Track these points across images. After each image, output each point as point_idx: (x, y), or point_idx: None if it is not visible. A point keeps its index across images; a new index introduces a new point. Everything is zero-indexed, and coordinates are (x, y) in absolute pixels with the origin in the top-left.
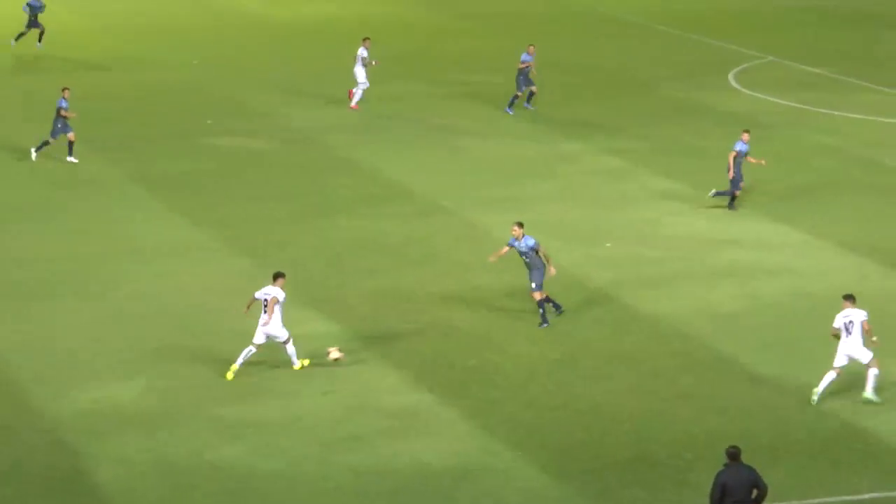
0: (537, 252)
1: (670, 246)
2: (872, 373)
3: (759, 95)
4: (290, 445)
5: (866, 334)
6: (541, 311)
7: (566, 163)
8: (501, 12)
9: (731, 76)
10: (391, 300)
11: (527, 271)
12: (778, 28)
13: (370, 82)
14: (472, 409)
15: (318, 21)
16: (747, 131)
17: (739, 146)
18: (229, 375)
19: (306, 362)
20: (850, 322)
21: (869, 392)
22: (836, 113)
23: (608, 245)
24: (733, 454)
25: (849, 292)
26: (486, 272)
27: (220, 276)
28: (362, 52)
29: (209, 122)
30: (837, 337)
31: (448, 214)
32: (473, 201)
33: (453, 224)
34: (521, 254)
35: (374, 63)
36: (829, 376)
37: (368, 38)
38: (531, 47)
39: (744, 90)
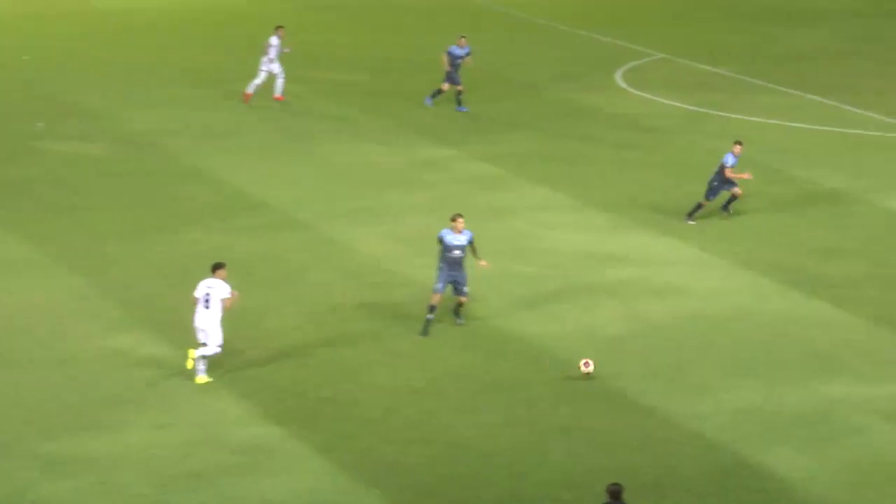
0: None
1: (548, 262)
2: None
3: (650, 97)
4: (123, 484)
5: None
6: (459, 311)
7: (435, 170)
8: (363, 3)
9: (618, 75)
10: (238, 323)
11: (444, 269)
12: (669, 23)
13: (286, 73)
14: (326, 444)
15: (162, 12)
16: (740, 143)
17: (730, 159)
18: (199, 381)
19: (206, 379)
20: None
21: None
22: (732, 116)
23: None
24: (615, 492)
25: None
26: (345, 292)
27: (47, 297)
28: (274, 41)
29: (40, 124)
30: None
31: (304, 228)
32: (332, 214)
33: (309, 239)
34: (455, 248)
35: (285, 51)
36: None
37: (282, 27)
38: (462, 39)
39: (633, 91)
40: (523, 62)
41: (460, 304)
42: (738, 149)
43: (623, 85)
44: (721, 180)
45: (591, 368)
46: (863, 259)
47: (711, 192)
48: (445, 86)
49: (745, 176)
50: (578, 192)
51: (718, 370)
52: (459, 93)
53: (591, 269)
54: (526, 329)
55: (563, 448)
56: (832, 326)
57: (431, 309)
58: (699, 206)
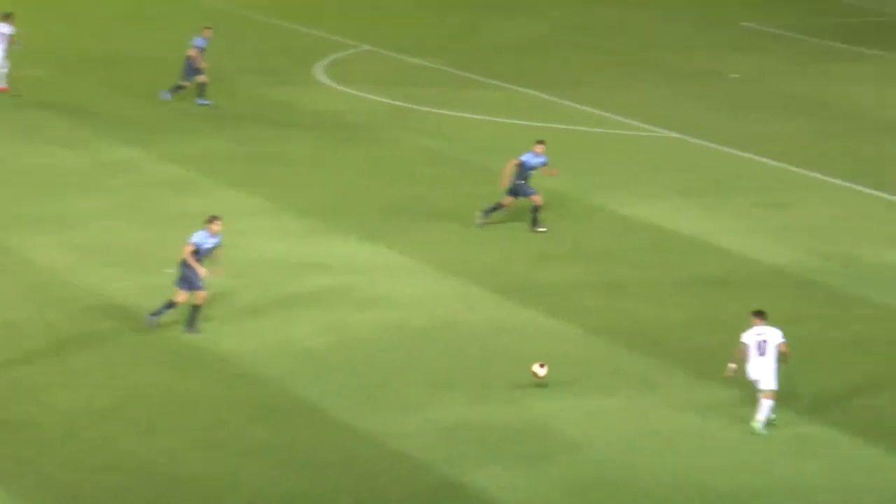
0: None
1: (243, 272)
2: (768, 404)
3: (353, 91)
4: None
5: (783, 358)
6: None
7: (121, 173)
8: None
9: (319, 69)
10: None
11: (192, 271)
12: (374, 13)
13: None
14: (1, 471)
15: None
16: (541, 142)
17: (527, 157)
18: None
19: None
20: (765, 342)
21: (761, 424)
22: (441, 111)
23: (169, 271)
24: None
25: (758, 309)
26: (21, 306)
27: None
28: (5, 28)
29: None
30: (739, 358)
31: None
32: (7, 221)
33: None
34: (207, 252)
35: (16, 44)
36: (767, 402)
37: (11, 14)
38: (207, 30)
39: (335, 85)
40: (215, 54)
41: (197, 307)
42: (539, 148)
43: (324, 79)
44: (524, 179)
45: (544, 371)
46: (580, 265)
47: (523, 192)
48: (196, 80)
49: (554, 172)
50: (276, 196)
51: (425, 384)
52: (179, 87)
53: (290, 278)
54: (220, 344)
55: (259, 470)
56: (547, 337)
57: (171, 305)
58: (535, 209)
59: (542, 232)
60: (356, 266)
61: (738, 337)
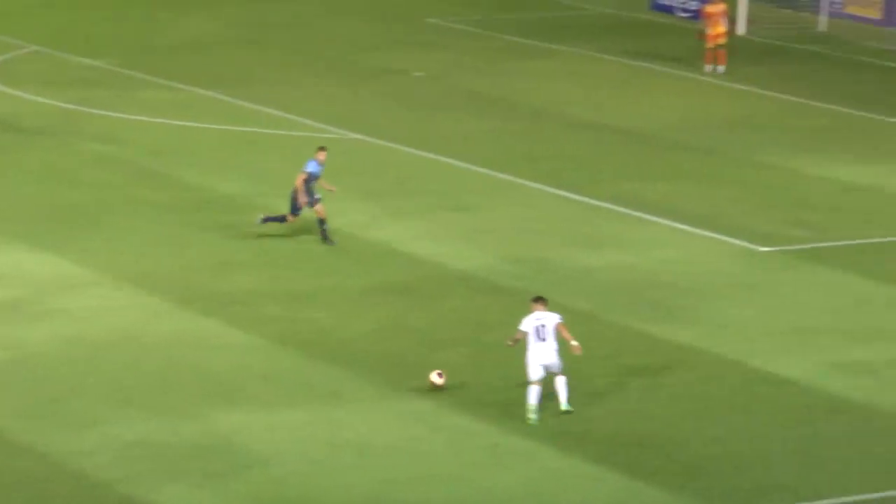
0: None
1: None
2: (563, 381)
3: (20, 94)
4: None
5: (565, 339)
6: None
7: None
8: None
9: None
10: None
11: None
12: (40, 11)
13: None
14: None
15: None
16: (323, 149)
17: (312, 167)
18: None
19: None
20: (543, 326)
21: (565, 403)
22: (114, 114)
23: None
24: None
25: (538, 295)
26: None
27: None
28: None
29: None
30: (515, 343)
31: None
32: None
33: None
34: None
35: None
36: (535, 391)
37: None
38: None
39: (4, 88)
40: None
41: None
42: (321, 155)
43: None
44: (308, 192)
45: (442, 381)
46: (262, 272)
47: (297, 207)
48: None
49: (330, 188)
50: None
51: (104, 401)
52: None
53: None
54: None
55: None
56: (229, 348)
57: None
58: (282, 220)
59: (331, 244)
60: (27, 277)
61: (427, 345)
